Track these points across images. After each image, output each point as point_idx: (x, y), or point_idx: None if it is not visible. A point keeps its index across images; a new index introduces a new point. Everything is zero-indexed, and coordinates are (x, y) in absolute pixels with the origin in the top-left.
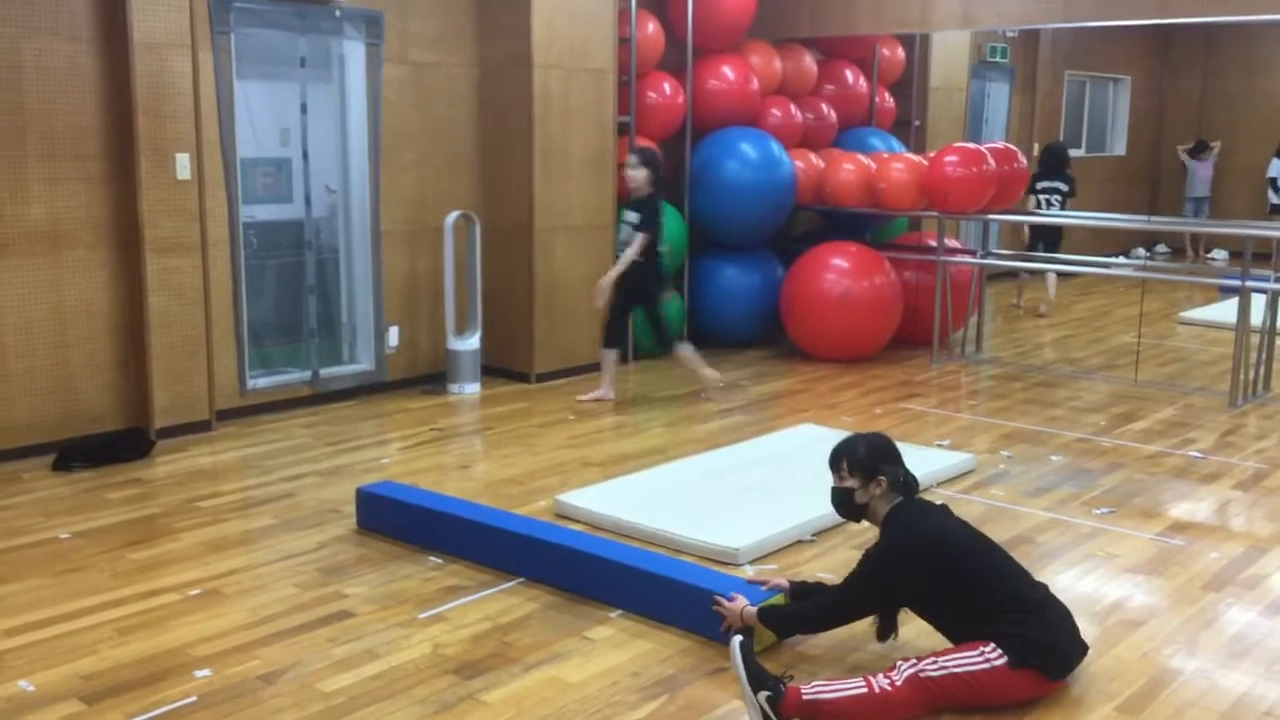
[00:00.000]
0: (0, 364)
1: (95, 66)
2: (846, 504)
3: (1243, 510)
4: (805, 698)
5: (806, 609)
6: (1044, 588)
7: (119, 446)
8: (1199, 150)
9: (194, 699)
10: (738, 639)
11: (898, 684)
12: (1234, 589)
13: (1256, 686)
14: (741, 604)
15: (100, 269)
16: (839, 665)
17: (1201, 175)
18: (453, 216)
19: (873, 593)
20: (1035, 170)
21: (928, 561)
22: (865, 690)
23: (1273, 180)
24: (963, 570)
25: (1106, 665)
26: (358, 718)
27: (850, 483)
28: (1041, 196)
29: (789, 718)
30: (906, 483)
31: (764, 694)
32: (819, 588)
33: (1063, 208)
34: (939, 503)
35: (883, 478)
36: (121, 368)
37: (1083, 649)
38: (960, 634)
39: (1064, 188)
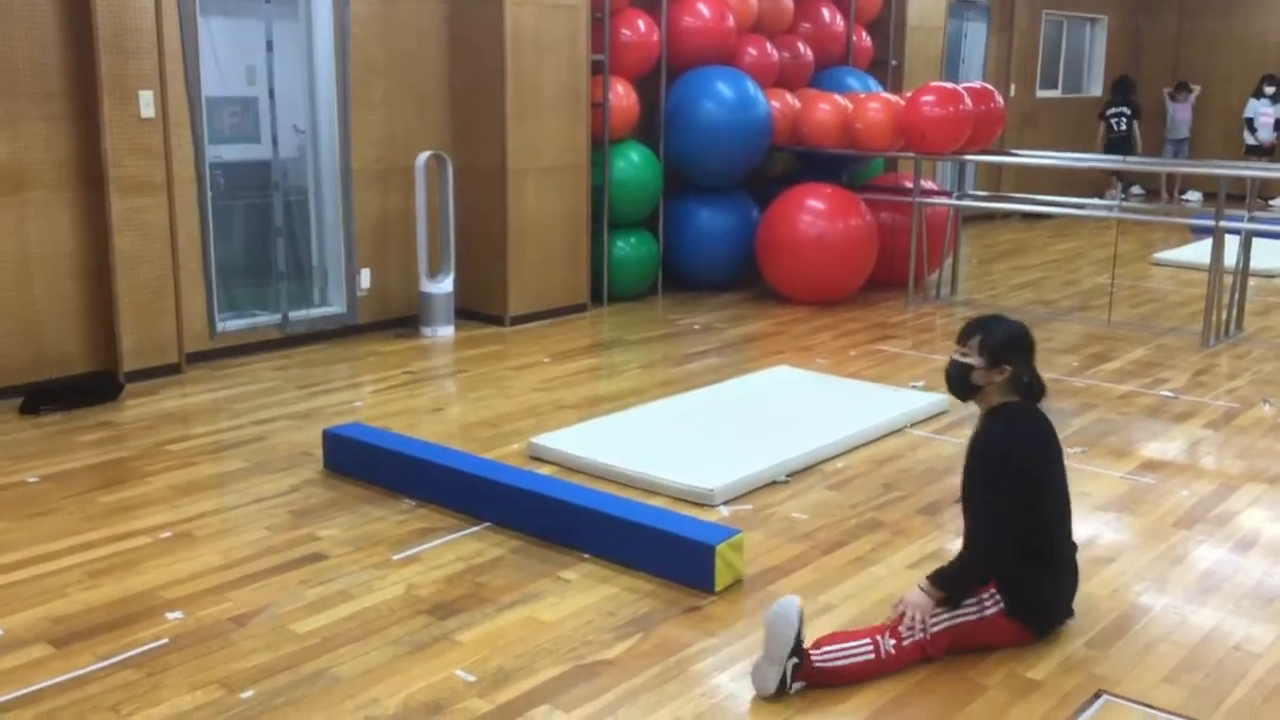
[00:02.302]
0: None
1: (55, 2)
2: (961, 380)
3: (1214, 449)
4: (816, 665)
5: (971, 556)
6: (1075, 549)
7: (87, 390)
8: (1179, 91)
9: (166, 641)
10: (796, 599)
11: (904, 646)
12: (1204, 526)
13: (1225, 622)
14: (910, 600)
15: (65, 209)
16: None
17: (1181, 117)
18: (424, 156)
19: (991, 505)
20: (1106, 99)
21: (1025, 464)
22: (873, 657)
23: (1249, 121)
24: (1038, 491)
25: (1077, 602)
26: (332, 658)
27: (973, 360)
28: (1112, 120)
29: (797, 682)
30: (1029, 384)
31: (794, 660)
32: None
33: (1129, 126)
34: (1048, 419)
35: (1008, 367)
36: (89, 310)
37: (1071, 614)
38: None
39: (1128, 111)
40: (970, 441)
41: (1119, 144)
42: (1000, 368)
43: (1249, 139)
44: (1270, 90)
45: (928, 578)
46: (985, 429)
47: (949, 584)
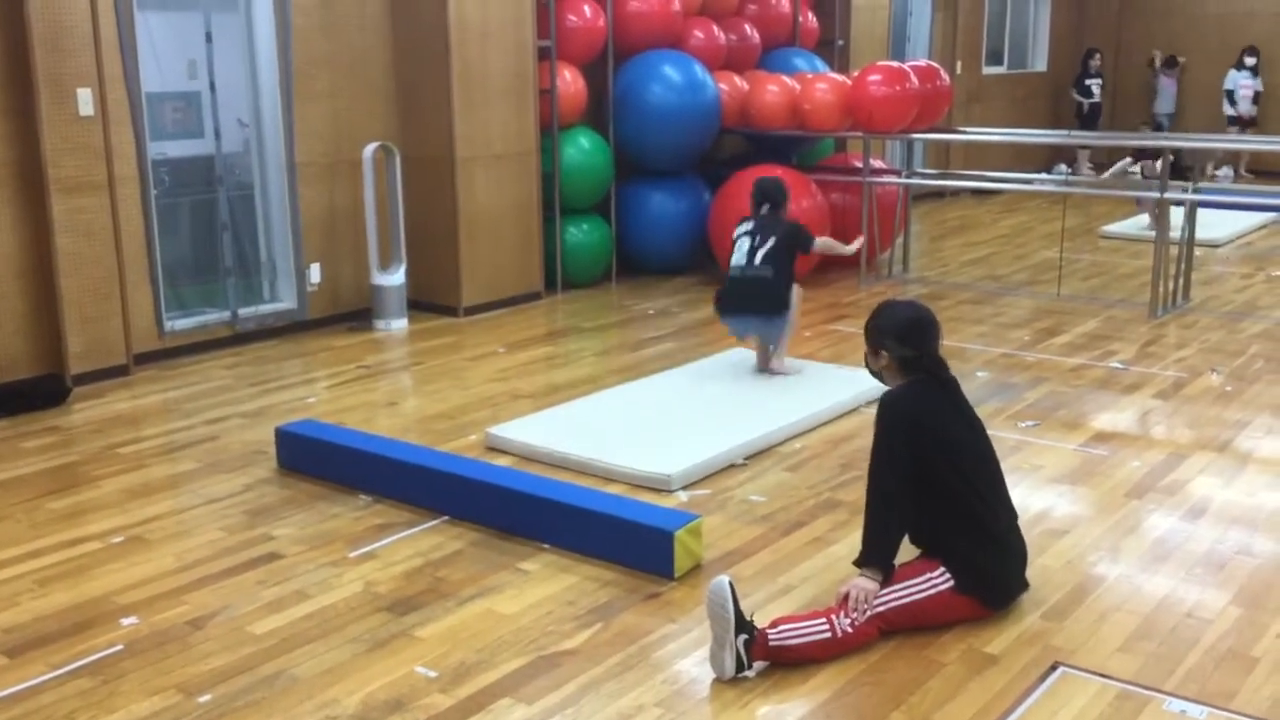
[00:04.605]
0: None
1: None
2: (869, 368)
3: (1163, 419)
4: (772, 643)
5: (865, 525)
6: (1014, 516)
7: (33, 394)
8: (1170, 65)
9: (121, 647)
10: (726, 578)
11: (860, 624)
12: (1155, 495)
13: (1178, 589)
14: (853, 583)
15: (4, 210)
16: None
17: (1169, 91)
18: (371, 148)
19: (881, 465)
20: (1078, 72)
21: (908, 440)
22: (829, 635)
23: (1229, 93)
24: (947, 463)
25: (1032, 575)
26: (291, 658)
27: (865, 349)
28: (1091, 86)
29: (755, 661)
30: (915, 363)
31: (743, 637)
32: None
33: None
34: (956, 393)
35: (884, 352)
36: (32, 313)
37: (1025, 586)
38: (929, 539)
39: (1101, 81)
40: None
41: (1096, 113)
42: (877, 352)
43: (1229, 110)
44: (1251, 62)
45: (855, 562)
46: (884, 396)
47: (868, 554)
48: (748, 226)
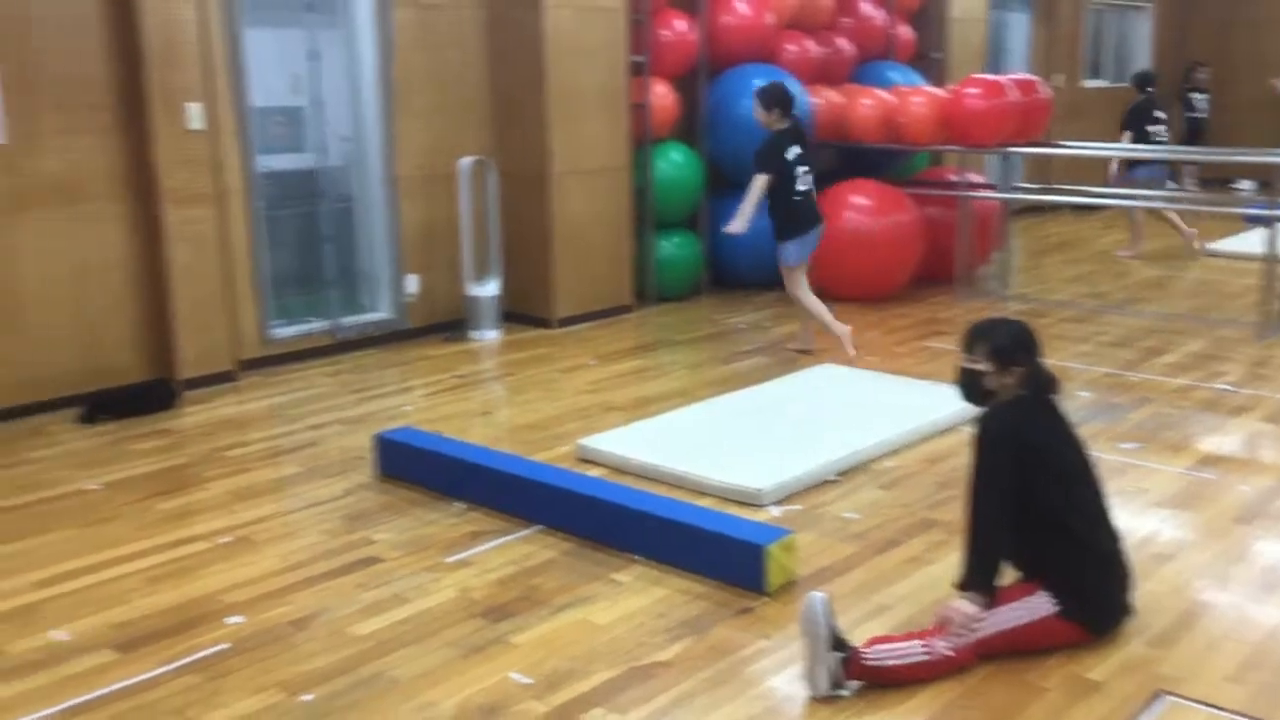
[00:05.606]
0: (22, 318)
1: (102, 16)
2: (973, 387)
3: (1273, 442)
4: (868, 663)
5: (966, 547)
6: (1120, 540)
7: (145, 398)
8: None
9: (227, 645)
10: (821, 594)
11: (959, 648)
12: (1265, 521)
13: None
14: (952, 606)
15: (119, 221)
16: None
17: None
18: (467, 162)
19: (983, 485)
20: (1180, 83)
21: (1011, 459)
22: (926, 657)
23: None
24: (1050, 484)
25: (1138, 600)
26: (389, 661)
27: (982, 366)
28: (1194, 100)
29: (849, 680)
30: (1038, 379)
31: (837, 655)
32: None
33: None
34: (1059, 412)
35: (1018, 368)
36: (145, 320)
37: (1130, 611)
38: (1031, 562)
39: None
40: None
41: (1201, 128)
42: (1010, 370)
43: None
44: None
45: (955, 584)
46: (986, 414)
47: (971, 579)
48: (797, 150)
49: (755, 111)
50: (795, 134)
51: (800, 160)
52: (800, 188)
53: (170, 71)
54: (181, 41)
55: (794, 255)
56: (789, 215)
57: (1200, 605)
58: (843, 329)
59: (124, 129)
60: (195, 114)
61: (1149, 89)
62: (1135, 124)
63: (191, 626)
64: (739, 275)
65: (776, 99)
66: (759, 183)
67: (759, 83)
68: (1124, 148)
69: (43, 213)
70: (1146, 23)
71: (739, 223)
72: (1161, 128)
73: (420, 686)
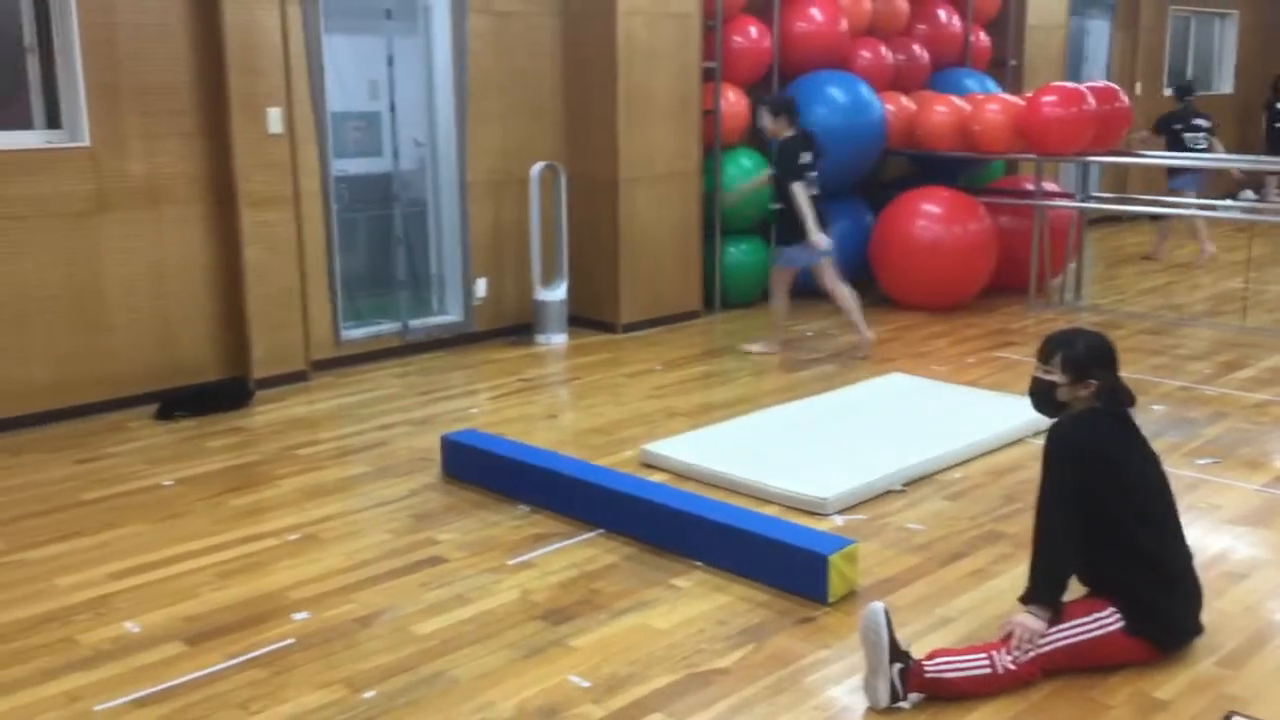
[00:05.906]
0: (105, 316)
1: (186, 22)
2: (1046, 397)
3: None
4: (929, 675)
5: (1033, 561)
6: (1190, 558)
7: (219, 396)
8: None
9: (292, 641)
10: (881, 605)
11: (1022, 662)
12: None
13: None
14: (1018, 620)
15: (198, 223)
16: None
17: None
18: (538, 167)
19: (1052, 498)
20: (1268, 95)
21: (1081, 473)
22: (989, 671)
23: None
24: (1120, 499)
25: (1208, 619)
26: (450, 660)
27: (1057, 377)
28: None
29: (910, 692)
30: (1114, 393)
31: (898, 666)
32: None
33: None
34: (1131, 425)
35: (1094, 381)
36: (221, 320)
37: (1199, 630)
38: (1099, 577)
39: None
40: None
41: None
42: (1085, 382)
43: None
44: None
45: (1021, 599)
46: (1056, 426)
47: (1036, 593)
48: (809, 157)
49: (762, 119)
50: (805, 140)
51: (810, 166)
52: (811, 193)
53: (251, 77)
54: (263, 48)
55: (798, 259)
56: (799, 220)
57: (1272, 626)
58: (776, 345)
59: (205, 133)
60: (275, 119)
61: (1187, 97)
62: (1165, 129)
63: (258, 621)
64: (807, 283)
65: (783, 107)
66: (798, 191)
67: (783, 94)
68: (1221, 158)
69: (125, 214)
70: (1232, 30)
71: (817, 235)
72: (1199, 135)
73: (480, 687)
